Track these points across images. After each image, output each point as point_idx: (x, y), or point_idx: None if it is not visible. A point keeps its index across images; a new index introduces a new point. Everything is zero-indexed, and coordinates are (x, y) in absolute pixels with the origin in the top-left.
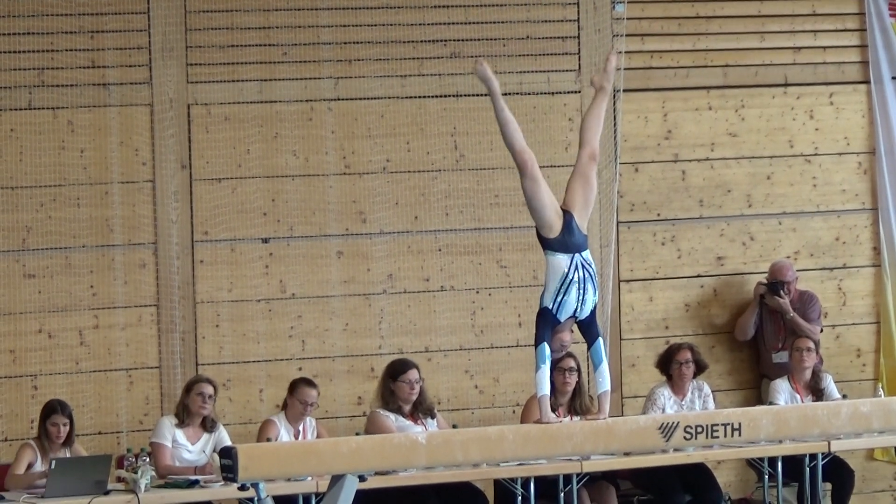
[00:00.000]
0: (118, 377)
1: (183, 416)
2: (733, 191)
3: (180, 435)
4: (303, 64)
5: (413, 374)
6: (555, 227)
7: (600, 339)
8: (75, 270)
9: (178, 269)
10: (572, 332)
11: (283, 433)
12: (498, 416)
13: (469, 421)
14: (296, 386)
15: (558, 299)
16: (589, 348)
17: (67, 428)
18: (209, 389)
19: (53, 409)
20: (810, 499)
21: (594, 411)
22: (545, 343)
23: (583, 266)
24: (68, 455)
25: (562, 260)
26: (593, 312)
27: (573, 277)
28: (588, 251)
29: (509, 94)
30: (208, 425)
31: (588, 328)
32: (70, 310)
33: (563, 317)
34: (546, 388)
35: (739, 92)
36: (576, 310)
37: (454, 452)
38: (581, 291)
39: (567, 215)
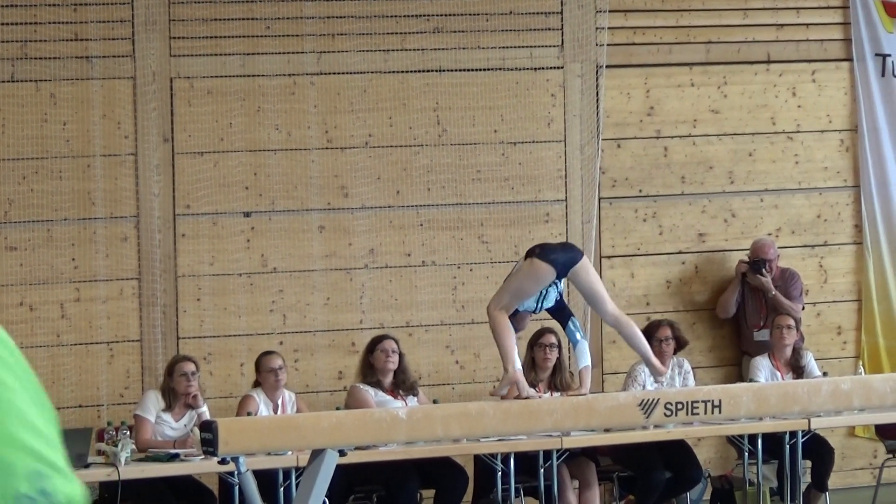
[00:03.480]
0: (99, 350)
1: (170, 398)
2: (715, 167)
3: (165, 413)
4: (285, 38)
5: (389, 344)
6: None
7: (572, 318)
8: (57, 243)
9: (160, 243)
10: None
11: (262, 408)
12: (478, 392)
13: (450, 396)
14: (259, 360)
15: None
16: (564, 329)
17: None
18: (191, 367)
19: None
20: (790, 476)
21: (575, 387)
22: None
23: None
24: None
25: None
26: (559, 300)
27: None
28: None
29: (492, 69)
30: (193, 403)
31: (558, 312)
32: (51, 283)
33: (520, 308)
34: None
35: (722, 69)
36: (535, 309)
37: (435, 428)
38: (541, 295)
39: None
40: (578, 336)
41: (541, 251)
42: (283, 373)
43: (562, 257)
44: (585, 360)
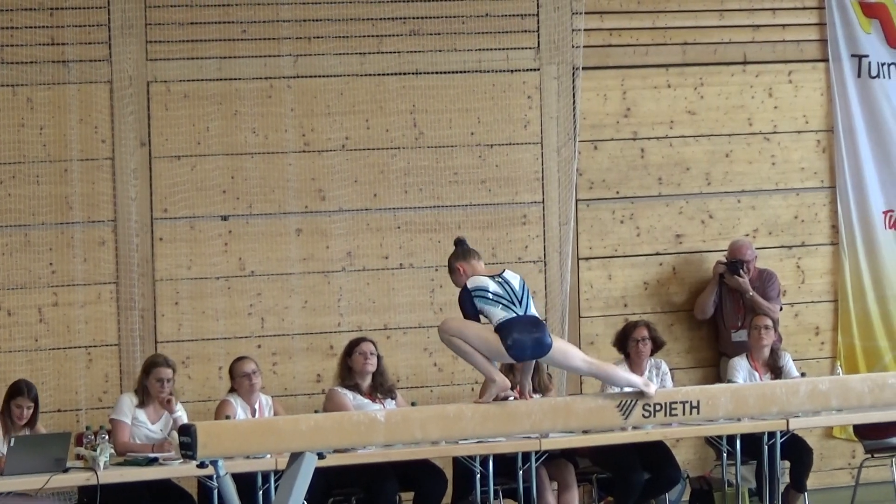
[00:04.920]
0: (77, 355)
1: (143, 396)
2: (692, 169)
3: (140, 413)
4: (262, 41)
5: (367, 346)
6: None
7: None
8: (34, 248)
9: (138, 247)
10: None
11: (240, 412)
12: (457, 394)
13: (428, 399)
14: (232, 366)
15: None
16: None
17: (31, 411)
18: (167, 373)
19: (20, 390)
20: (769, 477)
21: (552, 388)
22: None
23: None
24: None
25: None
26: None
27: None
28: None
29: (468, 71)
30: (167, 405)
31: None
32: (29, 287)
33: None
34: None
35: (698, 70)
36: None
37: (413, 430)
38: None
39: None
40: None
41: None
42: (256, 377)
43: (528, 352)
44: None
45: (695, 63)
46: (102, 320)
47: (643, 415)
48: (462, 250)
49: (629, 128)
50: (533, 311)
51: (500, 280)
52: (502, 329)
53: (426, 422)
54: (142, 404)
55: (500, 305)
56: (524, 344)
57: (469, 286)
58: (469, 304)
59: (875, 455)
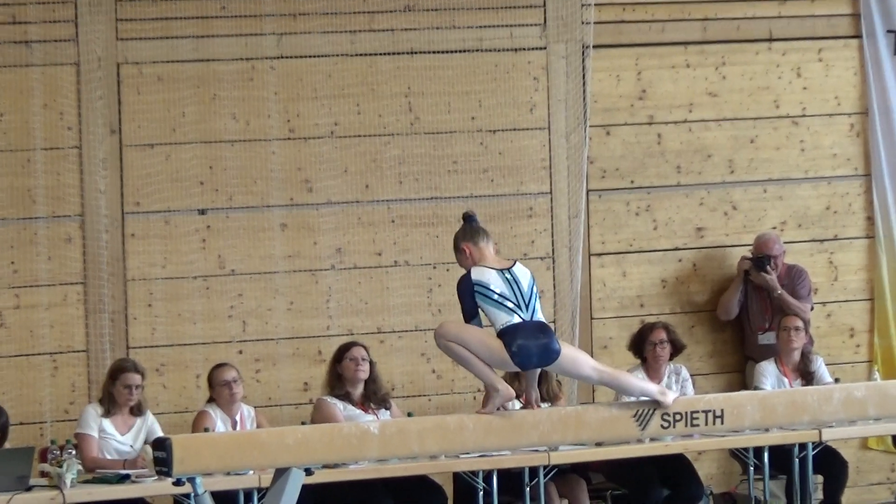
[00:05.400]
0: (41, 362)
1: (108, 405)
2: (714, 156)
3: (108, 424)
4: (243, 19)
5: (358, 351)
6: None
7: None
8: None
9: (107, 244)
10: None
11: (219, 424)
12: (457, 404)
13: (426, 409)
14: (211, 374)
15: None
16: None
17: None
18: (136, 379)
19: None
20: (800, 493)
21: (562, 397)
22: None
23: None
24: None
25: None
26: None
27: None
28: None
29: (468, 50)
30: (136, 410)
31: None
32: None
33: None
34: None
35: (720, 48)
36: None
37: (409, 443)
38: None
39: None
40: None
41: (510, 339)
42: (237, 385)
43: (534, 360)
44: None
45: (716, 40)
46: (69, 324)
47: (662, 425)
48: (470, 228)
49: (644, 111)
50: (539, 315)
51: (509, 276)
52: (506, 334)
53: (424, 434)
54: (108, 413)
55: (505, 308)
56: (530, 351)
57: (473, 277)
58: (469, 298)
59: None
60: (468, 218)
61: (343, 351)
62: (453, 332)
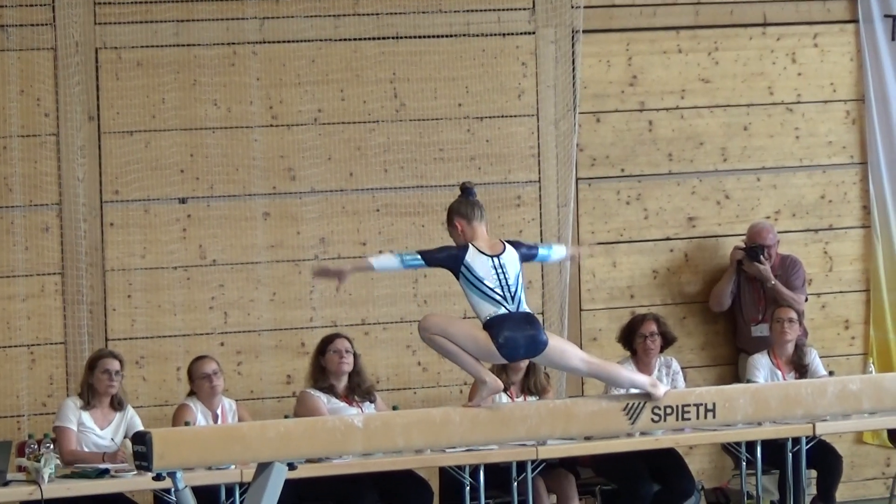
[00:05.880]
0: (18, 354)
1: (88, 396)
2: (706, 143)
3: (87, 418)
4: (224, 2)
5: (342, 343)
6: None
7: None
8: None
9: (86, 233)
10: None
11: (200, 418)
12: (443, 397)
13: (411, 402)
14: (191, 367)
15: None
16: (536, 259)
17: None
18: (115, 365)
19: None
20: (793, 488)
21: (550, 389)
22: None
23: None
24: None
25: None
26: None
27: None
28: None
29: (455, 35)
30: (116, 404)
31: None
32: None
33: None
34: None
35: (713, 33)
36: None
37: (394, 437)
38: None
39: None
40: (548, 250)
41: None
42: (218, 378)
43: (521, 351)
44: (562, 252)
45: (709, 25)
46: (46, 315)
47: (652, 419)
48: (467, 203)
49: (635, 98)
50: (525, 306)
51: (498, 264)
52: (492, 326)
53: (409, 428)
54: (87, 405)
55: (491, 300)
56: (517, 342)
57: (467, 258)
58: (444, 263)
59: None
60: (466, 190)
61: (326, 343)
62: (438, 325)
